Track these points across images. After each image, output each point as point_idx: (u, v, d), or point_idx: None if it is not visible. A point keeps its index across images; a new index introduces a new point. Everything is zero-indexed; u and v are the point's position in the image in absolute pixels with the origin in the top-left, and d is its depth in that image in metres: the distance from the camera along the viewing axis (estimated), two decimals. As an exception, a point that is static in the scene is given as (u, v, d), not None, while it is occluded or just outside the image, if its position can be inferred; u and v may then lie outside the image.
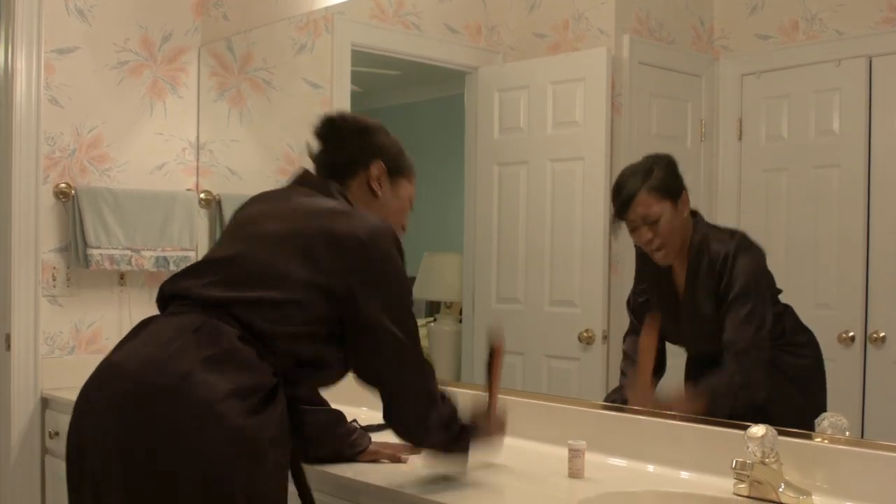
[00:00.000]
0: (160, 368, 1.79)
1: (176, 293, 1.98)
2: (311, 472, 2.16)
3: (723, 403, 2.25)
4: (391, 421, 2.00)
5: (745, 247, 2.29)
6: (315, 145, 2.16)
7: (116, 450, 1.77)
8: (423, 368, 2.01)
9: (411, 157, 2.23)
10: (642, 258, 2.51)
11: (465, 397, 2.71)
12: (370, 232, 1.93)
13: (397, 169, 2.17)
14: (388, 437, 2.13)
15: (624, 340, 2.61)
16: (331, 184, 2.09)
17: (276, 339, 1.87)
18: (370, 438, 2.33)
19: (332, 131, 2.15)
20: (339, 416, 2.34)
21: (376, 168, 2.12)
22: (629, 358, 2.57)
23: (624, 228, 2.46)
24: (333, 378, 2.04)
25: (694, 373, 2.42)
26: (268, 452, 1.81)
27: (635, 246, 2.51)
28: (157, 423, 1.76)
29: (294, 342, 1.88)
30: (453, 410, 2.07)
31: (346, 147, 2.13)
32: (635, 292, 2.58)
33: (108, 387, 1.84)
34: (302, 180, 2.12)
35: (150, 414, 1.77)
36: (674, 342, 2.52)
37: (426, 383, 2.01)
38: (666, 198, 2.36)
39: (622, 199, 2.41)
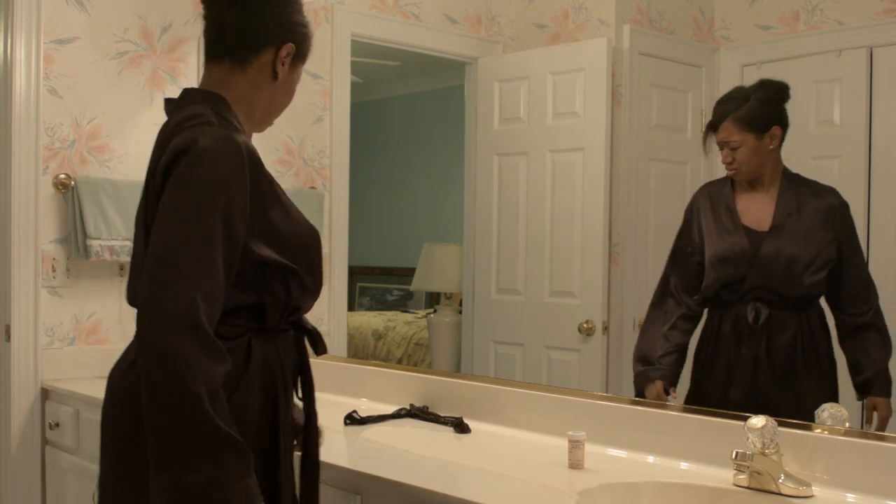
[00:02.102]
0: (119, 382, 1.78)
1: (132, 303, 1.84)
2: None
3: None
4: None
5: (846, 203, 2.27)
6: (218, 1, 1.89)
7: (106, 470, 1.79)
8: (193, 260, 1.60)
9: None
10: (696, 203, 2.47)
11: (464, 388, 2.72)
12: (187, 142, 1.68)
13: (302, 54, 1.92)
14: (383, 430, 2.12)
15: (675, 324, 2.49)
16: (188, 96, 1.86)
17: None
18: None
19: None
20: None
21: (288, 49, 1.87)
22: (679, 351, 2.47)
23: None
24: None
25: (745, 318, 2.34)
26: (244, 427, 1.71)
27: (689, 204, 2.48)
28: (126, 440, 1.72)
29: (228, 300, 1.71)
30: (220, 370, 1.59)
31: (267, 16, 1.86)
32: (679, 250, 2.50)
33: (105, 398, 1.83)
34: (166, 111, 1.89)
35: (114, 437, 1.77)
36: (723, 281, 2.39)
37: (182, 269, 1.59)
38: (749, 129, 2.34)
39: (712, 121, 2.41)
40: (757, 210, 2.35)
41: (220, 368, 1.57)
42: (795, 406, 2.20)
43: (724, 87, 2.46)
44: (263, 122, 1.96)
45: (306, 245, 1.84)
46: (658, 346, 2.48)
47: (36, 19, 3.42)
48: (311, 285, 1.85)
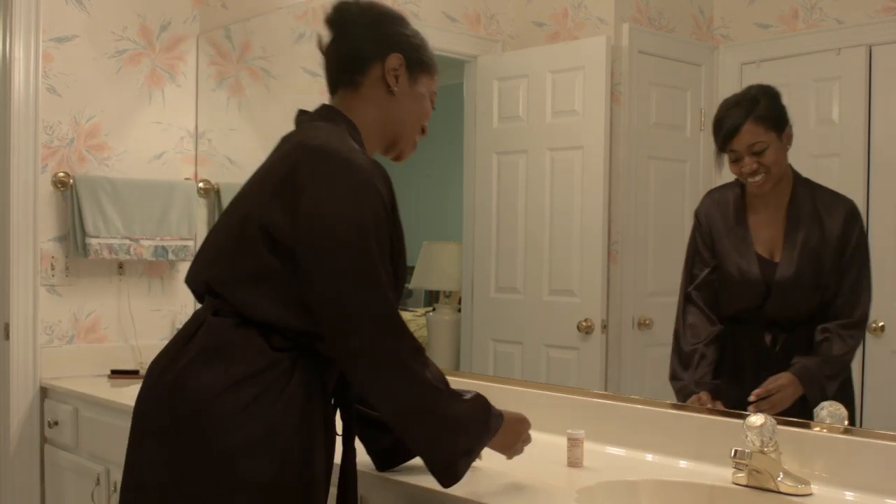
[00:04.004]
0: (157, 377, 1.80)
1: (193, 289, 1.90)
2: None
3: (830, 382, 2.20)
4: (347, 355, 1.75)
5: (858, 210, 2.19)
6: (325, 35, 1.93)
7: (136, 456, 1.81)
8: (390, 303, 1.73)
9: (433, 51, 1.98)
10: (706, 216, 2.40)
11: (462, 386, 2.71)
12: (338, 182, 1.72)
13: (418, 63, 1.92)
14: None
15: (688, 334, 2.42)
16: (322, 109, 1.91)
17: (267, 317, 1.74)
18: None
19: (345, 19, 1.90)
20: None
21: (394, 60, 1.88)
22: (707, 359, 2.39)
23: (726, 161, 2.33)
24: None
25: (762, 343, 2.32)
26: (291, 442, 1.73)
27: (697, 215, 2.41)
28: (157, 436, 1.76)
29: (281, 317, 1.74)
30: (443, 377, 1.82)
31: (361, 37, 1.89)
32: (695, 266, 2.42)
33: (141, 389, 1.85)
34: (297, 119, 1.95)
35: (149, 426, 1.78)
36: (738, 307, 2.37)
37: (393, 312, 1.74)
38: (772, 128, 2.24)
39: (728, 128, 2.26)
40: (768, 230, 2.30)
41: (435, 369, 1.80)
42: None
43: (724, 85, 2.45)
44: (394, 146, 1.97)
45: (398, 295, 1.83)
46: (694, 363, 2.39)
47: (35, 17, 3.42)
48: None
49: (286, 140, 1.89)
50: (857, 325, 2.21)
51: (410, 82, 1.92)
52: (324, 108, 1.92)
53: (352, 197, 1.72)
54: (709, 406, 2.30)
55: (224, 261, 1.79)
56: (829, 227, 2.24)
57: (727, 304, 2.37)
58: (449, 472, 1.82)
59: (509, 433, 1.94)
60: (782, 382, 2.23)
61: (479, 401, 1.87)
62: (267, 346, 1.74)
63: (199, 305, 1.90)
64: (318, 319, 1.73)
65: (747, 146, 2.25)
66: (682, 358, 2.42)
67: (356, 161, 1.75)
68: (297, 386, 1.75)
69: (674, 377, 2.42)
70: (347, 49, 1.90)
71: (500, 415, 1.90)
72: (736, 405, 2.25)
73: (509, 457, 2.01)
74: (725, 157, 2.30)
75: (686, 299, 2.42)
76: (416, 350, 1.76)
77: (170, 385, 1.75)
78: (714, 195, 2.41)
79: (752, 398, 2.21)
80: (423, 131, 2.00)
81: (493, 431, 1.88)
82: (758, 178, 2.26)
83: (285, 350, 1.76)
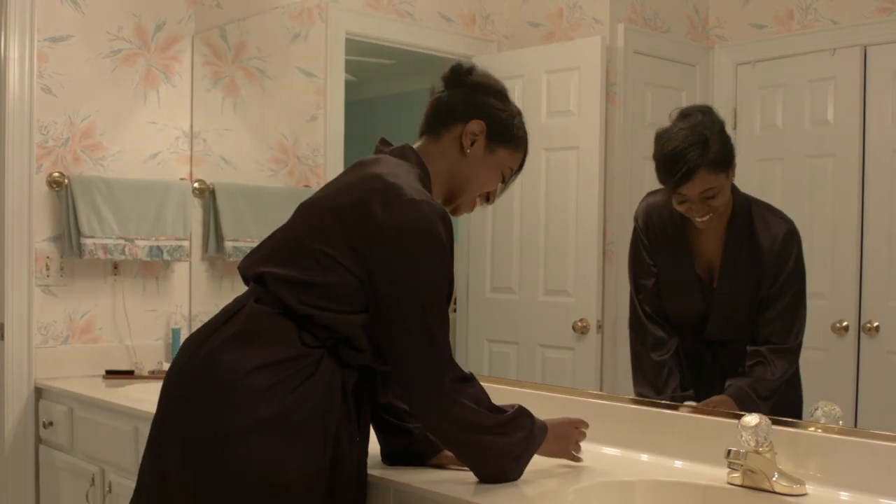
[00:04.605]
0: (195, 349, 1.91)
1: (243, 274, 2.03)
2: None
3: (762, 404, 2.22)
4: (401, 384, 1.95)
5: (796, 232, 2.20)
6: (439, 88, 2.11)
7: (161, 420, 1.93)
8: (437, 340, 1.90)
9: (525, 131, 2.12)
10: (646, 222, 2.42)
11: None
12: (404, 221, 1.86)
13: (499, 136, 2.06)
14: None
15: (652, 348, 2.44)
16: (403, 148, 2.05)
17: (310, 316, 1.87)
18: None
19: (453, 78, 2.09)
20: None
21: (475, 126, 2.04)
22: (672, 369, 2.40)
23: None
24: (374, 360, 1.98)
25: (706, 361, 2.37)
26: (301, 428, 1.83)
27: (637, 219, 2.45)
28: (185, 402, 1.88)
29: (326, 319, 1.87)
30: (484, 394, 1.97)
31: (456, 97, 2.07)
32: (641, 276, 2.45)
33: (174, 361, 1.99)
34: (377, 148, 2.10)
35: (180, 393, 1.90)
36: (680, 321, 2.41)
37: (438, 349, 1.91)
38: (721, 170, 2.21)
39: (679, 175, 2.20)
40: (708, 249, 2.31)
41: (480, 392, 1.94)
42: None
43: (719, 86, 2.46)
44: (453, 200, 2.09)
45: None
46: (663, 377, 2.40)
47: (30, 17, 3.42)
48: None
49: (363, 165, 2.01)
50: (789, 352, 2.23)
51: (486, 151, 2.06)
52: (405, 147, 2.06)
53: (414, 238, 1.86)
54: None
55: (279, 262, 1.92)
56: (767, 248, 2.24)
57: (671, 316, 2.41)
58: (494, 480, 1.97)
59: (557, 437, 2.09)
60: (719, 401, 2.27)
61: (522, 411, 2.00)
62: (298, 341, 1.87)
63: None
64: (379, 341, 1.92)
65: (699, 193, 2.23)
66: (648, 373, 2.44)
67: (421, 204, 1.87)
68: (318, 381, 1.87)
69: (642, 395, 2.43)
70: (442, 104, 2.08)
71: (543, 426, 2.03)
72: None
73: (571, 459, 2.15)
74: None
75: (643, 313, 2.45)
76: (458, 379, 1.91)
77: (203, 359, 1.88)
78: (651, 199, 2.42)
79: None
80: (487, 198, 2.14)
81: (540, 440, 2.01)
82: (706, 218, 2.26)
83: (313, 347, 1.88)
